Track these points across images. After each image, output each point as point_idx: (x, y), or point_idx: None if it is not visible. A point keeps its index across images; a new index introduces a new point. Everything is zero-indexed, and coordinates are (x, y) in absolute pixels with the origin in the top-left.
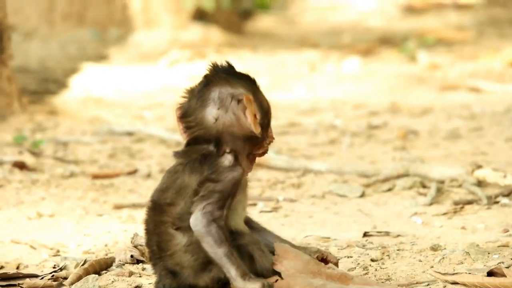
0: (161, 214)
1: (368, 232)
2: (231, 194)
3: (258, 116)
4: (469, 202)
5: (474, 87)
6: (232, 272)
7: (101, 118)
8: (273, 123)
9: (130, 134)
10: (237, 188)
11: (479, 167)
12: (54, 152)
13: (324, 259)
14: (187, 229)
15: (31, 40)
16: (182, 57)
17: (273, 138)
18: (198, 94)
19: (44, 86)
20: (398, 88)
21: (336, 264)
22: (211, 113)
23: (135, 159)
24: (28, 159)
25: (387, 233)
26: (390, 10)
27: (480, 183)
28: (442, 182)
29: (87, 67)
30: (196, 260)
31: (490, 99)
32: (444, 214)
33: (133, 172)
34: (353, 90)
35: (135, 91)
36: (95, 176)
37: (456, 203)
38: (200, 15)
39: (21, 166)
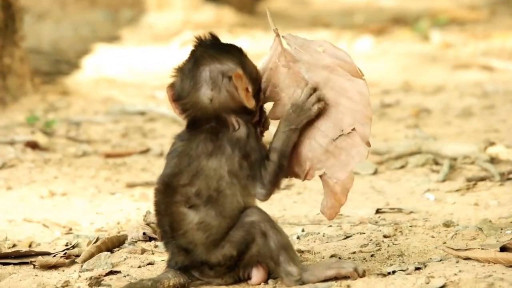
0: (173, 195)
1: (380, 209)
2: (261, 148)
3: (250, 89)
4: (482, 179)
5: (486, 65)
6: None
7: (113, 98)
8: None
9: (142, 113)
10: (259, 139)
11: (492, 144)
12: (66, 132)
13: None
14: (200, 206)
15: (43, 21)
16: None
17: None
18: (189, 75)
19: (56, 67)
20: (411, 67)
21: None
22: (205, 94)
23: (148, 138)
24: (41, 138)
25: (399, 210)
26: None
27: (492, 160)
28: (454, 159)
29: (99, 48)
30: (208, 237)
31: (503, 77)
32: (457, 190)
33: (145, 151)
34: (365, 69)
35: (147, 72)
36: (108, 155)
37: (469, 179)
38: None
39: (33, 145)
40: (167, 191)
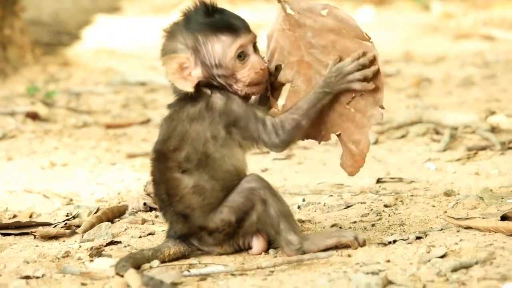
0: (165, 161)
1: (381, 179)
2: (254, 111)
3: (193, 73)
4: (483, 148)
5: (487, 35)
6: (328, 99)
7: (113, 69)
8: None
9: (142, 84)
10: (249, 105)
11: (493, 113)
12: (67, 103)
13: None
14: (192, 171)
15: None
16: None
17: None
18: (161, 46)
19: (57, 38)
20: (411, 37)
21: None
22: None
23: (148, 109)
24: (41, 109)
25: (400, 179)
26: None
27: (493, 129)
28: (455, 128)
29: (100, 19)
30: (203, 200)
31: (504, 47)
32: (458, 160)
33: (146, 122)
34: None
35: (147, 43)
36: (108, 126)
37: (469, 149)
38: None
39: (34, 116)
40: (160, 158)
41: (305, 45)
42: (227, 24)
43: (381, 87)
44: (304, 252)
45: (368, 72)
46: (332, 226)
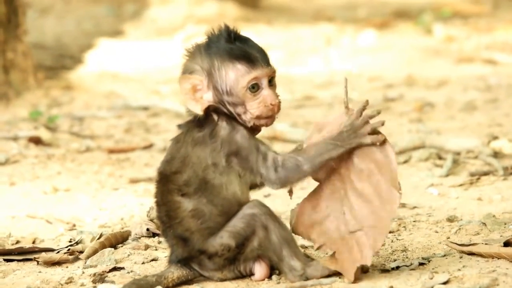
0: (167, 183)
1: None
2: (257, 144)
3: (204, 96)
4: (485, 173)
5: (489, 59)
6: (340, 152)
7: (116, 93)
8: (289, 96)
9: (145, 108)
10: (253, 138)
11: (495, 138)
12: (70, 127)
13: None
14: (191, 195)
15: (47, 16)
16: (198, 32)
17: (257, 109)
18: (182, 65)
19: (59, 62)
20: (414, 61)
21: None
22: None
23: (151, 133)
24: (44, 134)
25: (403, 205)
26: None
27: (496, 154)
28: (458, 153)
29: (102, 42)
30: (202, 223)
31: (506, 71)
32: (461, 185)
33: (148, 146)
34: (369, 63)
35: (150, 66)
36: (111, 151)
37: (472, 174)
38: None
39: (36, 141)
40: (162, 180)
41: (347, 157)
42: (246, 54)
43: (384, 233)
44: (307, 278)
45: (377, 124)
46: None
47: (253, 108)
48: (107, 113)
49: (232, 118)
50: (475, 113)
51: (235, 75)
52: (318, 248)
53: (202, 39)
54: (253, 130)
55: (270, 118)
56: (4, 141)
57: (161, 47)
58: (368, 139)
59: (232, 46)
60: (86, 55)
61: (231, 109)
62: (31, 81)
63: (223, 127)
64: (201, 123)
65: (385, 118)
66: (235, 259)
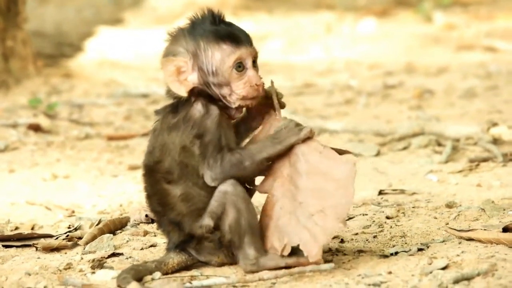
0: (152, 174)
1: (383, 190)
2: (221, 135)
3: (189, 77)
4: (485, 160)
5: (490, 46)
6: (277, 149)
7: (116, 80)
8: (290, 84)
9: (145, 96)
10: (222, 127)
11: (495, 125)
12: (69, 115)
13: None
14: (177, 181)
15: (46, 4)
16: None
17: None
18: (164, 48)
19: (59, 50)
20: (414, 49)
21: None
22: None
23: (150, 120)
24: (43, 121)
25: (402, 191)
26: None
27: (495, 141)
28: (457, 140)
29: (102, 30)
30: (191, 206)
31: (506, 58)
32: (460, 171)
33: (148, 134)
34: (368, 50)
35: (150, 54)
36: (110, 138)
37: (471, 160)
38: None
39: (36, 128)
40: (148, 172)
41: (288, 160)
42: (230, 34)
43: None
44: (258, 267)
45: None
46: (334, 238)
47: (239, 89)
48: (106, 100)
49: (212, 101)
50: (475, 100)
51: (221, 55)
52: (282, 251)
53: (184, 23)
54: (237, 111)
55: (254, 98)
56: (4, 128)
57: (161, 35)
58: (302, 134)
59: (217, 28)
60: (86, 43)
61: (216, 90)
62: (31, 69)
63: (198, 109)
64: (176, 108)
65: (385, 105)
66: (221, 243)
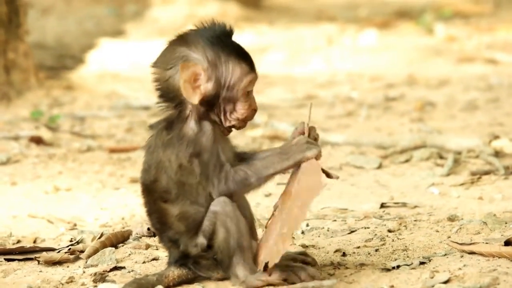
0: (151, 193)
1: (385, 203)
2: (219, 151)
3: (203, 87)
4: (486, 173)
5: (491, 58)
6: (285, 166)
7: (117, 92)
8: (291, 96)
9: (146, 108)
10: (219, 142)
11: (496, 137)
12: (71, 127)
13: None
14: (174, 200)
15: (48, 16)
16: None
17: (246, 110)
18: (168, 47)
19: (61, 62)
20: (415, 61)
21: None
22: (167, 70)
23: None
24: (45, 133)
25: (404, 204)
26: None
27: (497, 154)
28: (459, 153)
29: (104, 42)
30: (187, 226)
31: (507, 70)
32: (461, 184)
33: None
34: (370, 62)
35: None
36: (112, 150)
37: (473, 173)
38: None
39: (38, 140)
40: (145, 190)
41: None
42: (247, 56)
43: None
44: (247, 286)
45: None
46: (336, 251)
47: (242, 109)
48: (108, 113)
49: (207, 115)
50: (476, 112)
51: (239, 73)
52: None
53: (196, 28)
54: (227, 130)
55: (246, 122)
56: (6, 140)
57: (162, 47)
58: (310, 153)
59: (235, 44)
60: (87, 55)
61: (222, 104)
62: (32, 81)
63: (191, 127)
64: (170, 123)
65: (387, 117)
66: (216, 260)
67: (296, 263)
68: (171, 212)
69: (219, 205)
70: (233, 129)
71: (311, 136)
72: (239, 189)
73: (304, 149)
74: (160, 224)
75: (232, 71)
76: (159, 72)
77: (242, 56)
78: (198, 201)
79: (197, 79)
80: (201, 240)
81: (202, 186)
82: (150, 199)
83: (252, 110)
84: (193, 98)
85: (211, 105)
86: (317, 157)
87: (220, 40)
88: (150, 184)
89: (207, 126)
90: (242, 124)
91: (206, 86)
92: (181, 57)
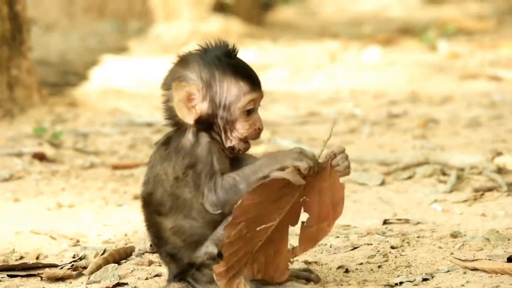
0: (148, 206)
1: (388, 220)
2: (213, 161)
3: (198, 107)
4: (489, 189)
5: (494, 75)
6: (273, 169)
7: (121, 109)
8: (294, 113)
9: (149, 125)
10: (214, 153)
11: (499, 154)
12: (74, 143)
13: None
14: (167, 213)
15: (51, 32)
16: None
17: (246, 130)
18: (171, 68)
19: (64, 78)
20: (418, 77)
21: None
22: (168, 90)
23: None
24: (48, 150)
25: (407, 221)
26: (410, 0)
27: (500, 170)
28: (462, 169)
29: (107, 59)
30: (184, 240)
31: (510, 87)
32: (464, 201)
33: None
34: (373, 79)
35: (155, 82)
36: (115, 167)
37: (476, 190)
38: (220, 7)
39: (41, 157)
40: (144, 204)
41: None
42: (249, 73)
43: None
44: None
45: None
46: (339, 268)
47: (243, 129)
48: (111, 129)
49: (208, 132)
50: (479, 129)
51: (237, 92)
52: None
53: (198, 49)
54: (229, 151)
55: (249, 144)
56: (8, 157)
57: (165, 63)
58: (298, 163)
59: (234, 62)
60: (91, 72)
61: (220, 123)
62: (36, 98)
63: (188, 139)
64: (168, 139)
65: (390, 134)
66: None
67: (299, 280)
68: (165, 225)
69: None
70: (235, 151)
71: (337, 159)
72: (229, 197)
73: (295, 157)
74: (157, 239)
75: (228, 90)
76: (164, 94)
77: (241, 75)
78: (191, 215)
79: (191, 99)
80: (211, 248)
81: (196, 200)
82: (147, 212)
83: (256, 129)
84: (188, 118)
85: (209, 124)
86: (307, 170)
87: (218, 59)
88: (147, 197)
89: (203, 137)
90: (244, 145)
91: (201, 106)
92: (178, 78)
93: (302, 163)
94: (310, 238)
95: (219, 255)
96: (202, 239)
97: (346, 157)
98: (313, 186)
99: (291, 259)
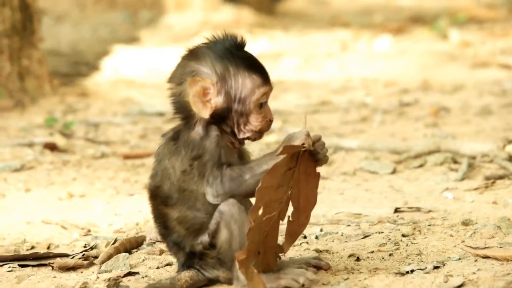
0: (154, 198)
1: (399, 208)
2: (221, 153)
3: (213, 101)
4: (501, 177)
5: (505, 64)
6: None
7: (132, 99)
8: (305, 101)
9: (161, 114)
10: (222, 146)
11: (510, 142)
12: (85, 133)
13: (316, 266)
14: (174, 205)
15: (62, 23)
16: None
17: (260, 122)
18: (180, 62)
19: (75, 69)
20: (429, 66)
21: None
22: (179, 85)
23: None
24: (59, 140)
25: (418, 209)
26: None
27: (511, 158)
28: (473, 157)
29: (118, 49)
30: (188, 229)
31: None
32: (476, 189)
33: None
34: (384, 68)
35: (166, 72)
36: (126, 156)
37: (487, 178)
38: None
39: (52, 147)
40: (151, 196)
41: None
42: (261, 67)
43: None
44: None
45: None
46: (350, 256)
47: (256, 121)
48: (122, 119)
49: (219, 126)
50: (490, 117)
51: (251, 86)
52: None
53: (206, 42)
54: (240, 142)
55: (262, 134)
56: (20, 147)
57: (176, 53)
58: (297, 141)
59: (246, 55)
60: (102, 62)
61: (234, 117)
62: (47, 88)
63: (198, 132)
64: (178, 133)
65: (401, 122)
66: (220, 260)
67: (301, 266)
68: (171, 215)
69: (227, 205)
70: (248, 140)
71: (315, 147)
72: (235, 186)
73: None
74: (164, 229)
75: (243, 83)
76: (173, 88)
77: (254, 68)
78: (195, 206)
79: (206, 94)
80: (205, 237)
81: (201, 192)
82: (155, 204)
83: (268, 121)
84: (204, 113)
85: (223, 118)
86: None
87: (230, 52)
88: (155, 190)
89: (213, 130)
90: (258, 135)
91: (217, 100)
92: (191, 72)
93: (298, 139)
94: (293, 233)
95: (211, 245)
96: (204, 229)
97: (324, 145)
98: (296, 177)
99: (280, 255)
